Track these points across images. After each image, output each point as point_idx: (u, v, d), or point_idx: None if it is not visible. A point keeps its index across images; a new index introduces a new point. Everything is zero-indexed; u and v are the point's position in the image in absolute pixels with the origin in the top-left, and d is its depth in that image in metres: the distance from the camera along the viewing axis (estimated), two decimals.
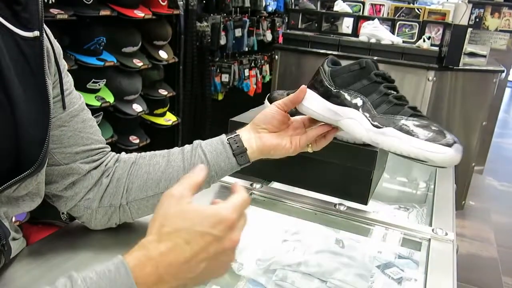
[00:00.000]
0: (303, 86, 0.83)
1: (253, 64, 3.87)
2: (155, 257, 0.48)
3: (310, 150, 0.85)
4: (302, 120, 0.86)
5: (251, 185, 1.04)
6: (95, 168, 0.76)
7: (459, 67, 2.63)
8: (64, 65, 0.73)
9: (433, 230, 0.90)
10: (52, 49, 0.69)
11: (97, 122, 2.23)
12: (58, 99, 0.70)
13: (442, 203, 1.06)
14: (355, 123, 0.78)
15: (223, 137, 0.80)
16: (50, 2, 1.86)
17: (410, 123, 0.74)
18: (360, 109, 0.78)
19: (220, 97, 3.55)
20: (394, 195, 1.38)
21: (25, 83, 0.62)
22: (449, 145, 0.70)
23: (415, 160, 0.73)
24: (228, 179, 1.07)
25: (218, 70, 3.46)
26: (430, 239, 0.88)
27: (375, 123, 0.76)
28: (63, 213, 1.88)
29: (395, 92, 0.79)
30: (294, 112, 0.90)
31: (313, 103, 0.82)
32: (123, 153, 0.82)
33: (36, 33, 0.63)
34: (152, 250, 0.49)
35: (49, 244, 0.77)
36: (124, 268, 0.47)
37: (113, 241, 0.79)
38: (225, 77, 3.49)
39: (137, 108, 2.38)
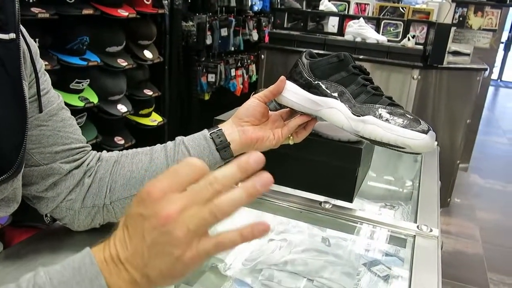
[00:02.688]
0: (282, 77, 0.84)
1: (239, 64, 3.86)
2: (112, 248, 0.46)
3: (291, 142, 0.86)
4: (280, 113, 0.87)
5: (236, 184, 1.03)
6: (77, 167, 0.75)
7: (443, 66, 2.66)
8: (41, 64, 0.72)
9: (418, 226, 0.90)
10: (28, 49, 0.68)
11: (80, 123, 2.21)
12: (35, 99, 0.69)
13: (427, 200, 1.06)
14: (336, 112, 0.81)
15: (206, 132, 0.79)
16: (31, 1, 1.83)
17: (388, 111, 0.78)
18: (340, 99, 0.81)
19: (207, 97, 3.54)
20: (380, 193, 1.39)
21: (0, 87, 0.61)
22: (425, 132, 0.75)
23: (393, 147, 0.77)
24: None
25: (204, 70, 3.44)
26: (415, 235, 0.88)
27: (355, 112, 0.79)
28: (46, 216, 1.85)
29: (371, 84, 0.83)
30: (275, 108, 0.90)
31: (294, 94, 0.84)
32: (104, 151, 0.81)
33: (12, 35, 0.62)
34: (111, 242, 0.47)
35: (29, 247, 0.76)
36: (89, 257, 0.45)
37: (95, 241, 0.77)
38: (211, 77, 3.48)
39: (122, 108, 2.36)
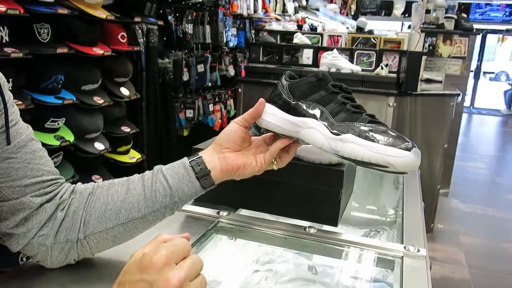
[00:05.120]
0: (261, 99, 0.82)
1: (217, 99, 3.89)
2: None
3: (275, 167, 0.83)
4: (263, 138, 0.85)
5: (218, 213, 1.01)
6: (48, 201, 0.71)
7: (417, 92, 2.72)
8: (9, 95, 0.69)
9: (405, 247, 0.88)
10: None
11: (57, 163, 2.16)
12: (3, 131, 0.66)
13: (412, 221, 1.05)
14: (315, 132, 0.78)
15: (185, 160, 0.76)
16: (4, 40, 1.82)
17: (368, 129, 0.74)
18: (319, 118, 0.78)
19: (186, 133, 3.52)
20: (364, 221, 1.37)
21: None
22: (408, 149, 0.71)
23: (375, 166, 0.73)
24: (195, 208, 1.03)
25: (182, 106, 3.44)
26: (403, 256, 0.86)
27: (334, 131, 0.76)
28: (22, 259, 1.77)
29: (352, 102, 0.80)
30: (259, 135, 0.89)
31: (273, 116, 0.82)
32: (79, 183, 0.78)
33: None
34: None
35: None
36: None
37: (71, 278, 0.73)
38: (189, 113, 3.48)
39: (99, 146, 2.32)
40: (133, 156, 2.65)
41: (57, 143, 2.03)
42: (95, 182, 0.78)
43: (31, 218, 0.70)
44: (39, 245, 0.70)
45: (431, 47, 3.53)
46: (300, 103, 0.81)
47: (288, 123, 0.81)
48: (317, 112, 0.79)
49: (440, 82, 3.51)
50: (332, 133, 0.76)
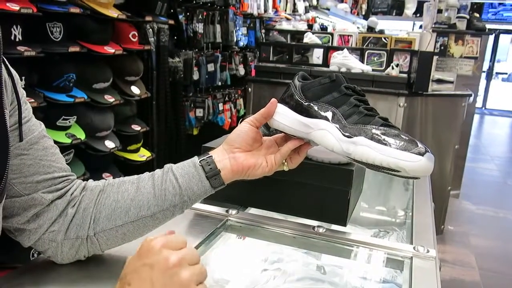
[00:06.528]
0: (273, 99, 0.82)
1: (227, 98, 3.89)
2: None
3: (285, 168, 0.83)
4: (274, 139, 0.84)
5: (227, 211, 1.01)
6: (59, 197, 0.72)
7: (428, 93, 2.70)
8: (22, 93, 0.70)
9: (414, 248, 0.88)
10: (11, 78, 0.67)
11: (68, 160, 2.17)
12: (15, 127, 0.67)
13: (422, 222, 1.04)
14: (326, 133, 0.77)
15: (196, 159, 0.77)
16: (17, 39, 1.84)
17: (381, 132, 0.73)
18: (330, 120, 0.77)
19: (195, 132, 3.53)
20: (373, 222, 1.37)
21: None
22: (421, 154, 0.70)
23: (387, 170, 0.72)
24: (204, 207, 1.04)
25: (192, 105, 3.45)
26: (412, 257, 0.86)
27: (346, 133, 0.75)
28: (33, 255, 1.79)
29: (365, 104, 0.79)
30: (268, 134, 0.88)
31: (284, 117, 0.81)
32: (90, 180, 0.78)
33: None
34: None
35: (11, 282, 0.71)
36: None
37: (81, 274, 0.74)
38: (199, 112, 3.49)
39: (110, 144, 2.33)
40: (143, 155, 2.66)
41: (68, 140, 2.04)
42: (105, 180, 0.79)
43: (42, 214, 0.70)
44: (49, 240, 0.71)
45: (442, 47, 3.50)
46: (312, 104, 0.80)
47: (300, 124, 0.80)
48: (329, 114, 0.78)
49: (452, 82, 3.48)
50: (344, 135, 0.75)
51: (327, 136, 0.77)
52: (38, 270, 0.75)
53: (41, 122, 0.74)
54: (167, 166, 0.77)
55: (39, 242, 0.71)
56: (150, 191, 0.73)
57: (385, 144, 0.71)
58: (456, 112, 2.90)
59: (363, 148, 0.73)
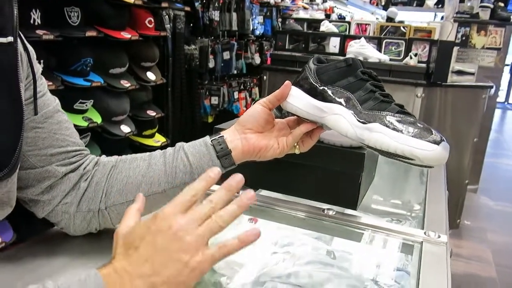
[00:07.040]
0: (287, 82, 0.81)
1: (242, 87, 3.89)
2: (116, 262, 0.51)
3: (297, 151, 0.83)
4: (287, 121, 0.84)
5: (238, 192, 1.01)
6: (73, 171, 0.73)
7: (447, 83, 2.65)
8: (38, 68, 0.71)
9: (425, 233, 0.87)
10: (27, 53, 0.68)
11: (85, 143, 2.20)
12: (31, 101, 0.69)
13: (435, 208, 1.03)
14: (341, 118, 0.76)
15: (207, 138, 0.77)
16: (36, 23, 1.86)
17: (396, 119, 0.72)
18: (345, 105, 0.76)
19: (210, 120, 3.55)
20: (386, 213, 1.36)
21: None
22: (437, 143, 0.69)
23: (401, 158, 0.71)
24: (216, 188, 1.04)
25: (207, 93, 3.46)
26: (422, 242, 0.85)
27: (361, 119, 0.74)
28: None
29: (381, 90, 0.78)
30: (280, 116, 0.88)
31: (298, 100, 0.80)
32: (103, 156, 0.80)
33: (10, 38, 0.62)
34: (115, 257, 0.52)
35: (25, 250, 0.74)
36: (95, 271, 0.49)
37: (92, 246, 0.76)
38: (214, 100, 3.49)
39: (125, 129, 2.36)
40: (158, 140, 2.69)
41: (85, 124, 2.07)
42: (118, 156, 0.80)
43: (55, 186, 0.72)
44: (62, 212, 0.73)
45: (464, 38, 3.43)
46: (327, 89, 0.78)
47: (313, 108, 0.79)
48: (344, 99, 0.77)
49: (473, 74, 3.41)
50: (359, 121, 0.74)
51: (341, 121, 0.76)
52: (51, 241, 0.77)
53: (56, 98, 0.75)
54: (178, 144, 0.78)
55: (52, 213, 0.73)
56: (161, 168, 0.74)
57: (400, 132, 0.71)
58: (476, 104, 2.84)
59: (377, 134, 0.72)
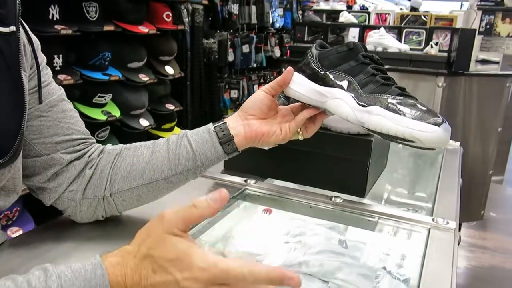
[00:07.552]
0: (290, 67, 0.81)
1: (262, 80, 3.89)
2: (126, 269, 0.51)
3: (300, 137, 0.82)
4: (291, 108, 0.84)
5: (245, 181, 1.02)
6: (78, 158, 0.75)
7: (469, 72, 2.58)
8: (42, 58, 0.73)
9: (433, 219, 0.85)
10: (30, 43, 0.69)
11: (104, 137, 2.24)
12: (35, 90, 0.70)
13: (446, 195, 1.01)
14: (341, 102, 0.76)
15: (210, 125, 0.77)
16: (55, 18, 1.90)
17: (397, 101, 0.72)
18: (346, 89, 0.76)
19: (230, 113, 3.56)
20: (398, 203, 1.34)
21: None
22: (438, 124, 0.68)
23: (402, 140, 0.71)
24: (223, 176, 1.05)
25: (227, 86, 3.48)
26: (430, 228, 0.83)
27: (361, 103, 0.74)
28: None
29: (383, 74, 0.77)
30: (288, 104, 0.88)
31: (300, 85, 0.80)
32: (108, 144, 0.81)
33: (12, 28, 0.63)
34: (126, 261, 0.51)
35: (34, 236, 0.76)
36: (101, 269, 0.50)
37: (98, 233, 0.77)
38: (234, 93, 3.51)
39: (144, 122, 2.39)
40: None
41: (104, 117, 2.11)
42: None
43: (61, 173, 0.74)
44: (69, 199, 0.75)
45: (488, 26, 3.33)
46: (328, 73, 0.78)
47: (315, 93, 0.79)
48: (345, 82, 0.77)
49: (497, 63, 3.31)
50: (359, 104, 0.74)
51: (342, 105, 0.76)
52: (59, 227, 0.79)
53: (61, 87, 0.77)
54: (182, 131, 0.78)
55: (59, 200, 0.75)
56: (164, 155, 0.75)
57: (400, 114, 0.70)
58: (499, 93, 2.75)
59: (377, 117, 0.72)
